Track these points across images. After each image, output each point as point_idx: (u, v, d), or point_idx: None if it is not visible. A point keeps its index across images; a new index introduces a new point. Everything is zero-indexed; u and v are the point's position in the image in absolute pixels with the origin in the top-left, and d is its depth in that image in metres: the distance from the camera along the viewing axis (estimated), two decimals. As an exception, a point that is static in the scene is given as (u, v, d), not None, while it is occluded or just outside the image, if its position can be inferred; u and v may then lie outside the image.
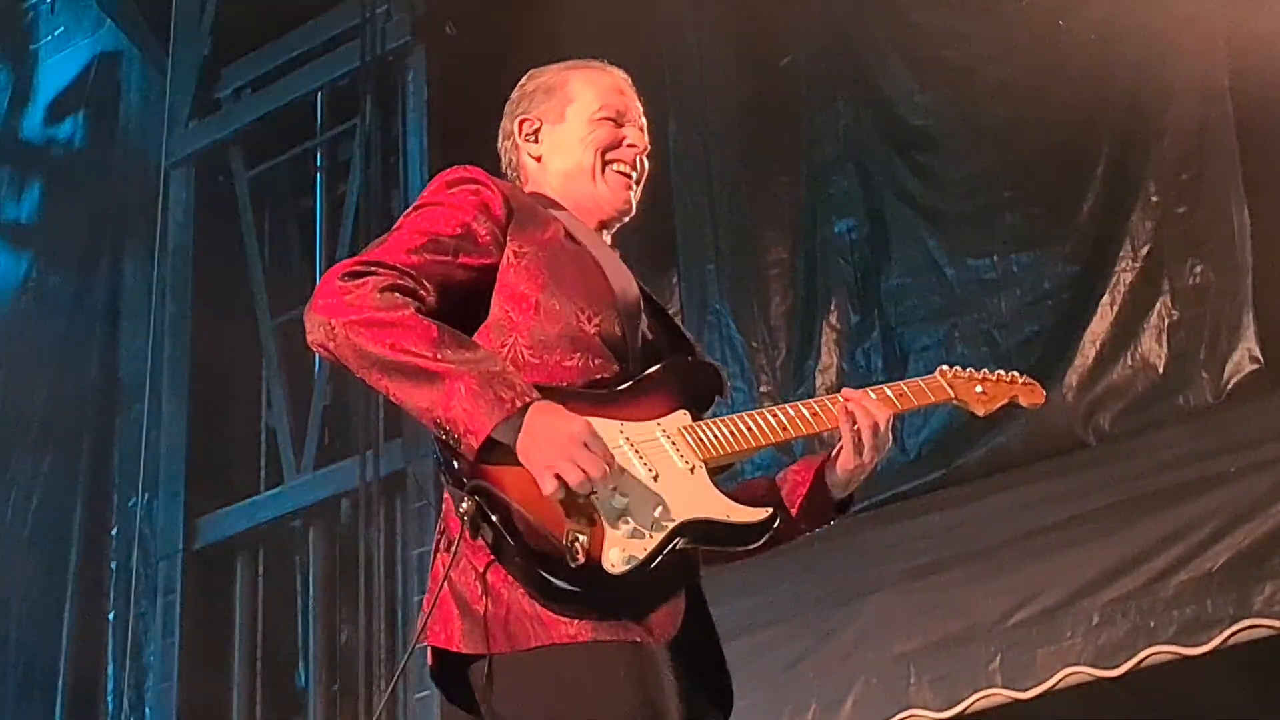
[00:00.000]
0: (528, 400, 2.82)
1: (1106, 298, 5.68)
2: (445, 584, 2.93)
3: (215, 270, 7.54)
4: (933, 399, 3.32)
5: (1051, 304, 5.82)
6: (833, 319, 6.21)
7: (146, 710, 6.97)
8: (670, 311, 3.35)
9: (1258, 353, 5.38)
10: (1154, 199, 5.69)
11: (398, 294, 2.90)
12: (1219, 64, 5.59)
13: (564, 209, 3.25)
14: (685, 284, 6.48)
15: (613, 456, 2.84)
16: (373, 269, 2.94)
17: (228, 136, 7.72)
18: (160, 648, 6.96)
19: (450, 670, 2.93)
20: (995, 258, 5.97)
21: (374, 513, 6.62)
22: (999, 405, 3.44)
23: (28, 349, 7.88)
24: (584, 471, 2.79)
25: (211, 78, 7.86)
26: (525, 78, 3.41)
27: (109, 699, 7.14)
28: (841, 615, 5.83)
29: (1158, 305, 5.61)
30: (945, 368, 3.39)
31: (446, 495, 2.97)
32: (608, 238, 3.27)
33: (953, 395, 3.35)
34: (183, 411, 7.29)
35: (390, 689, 3.02)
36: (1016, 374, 3.50)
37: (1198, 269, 5.56)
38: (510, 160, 3.35)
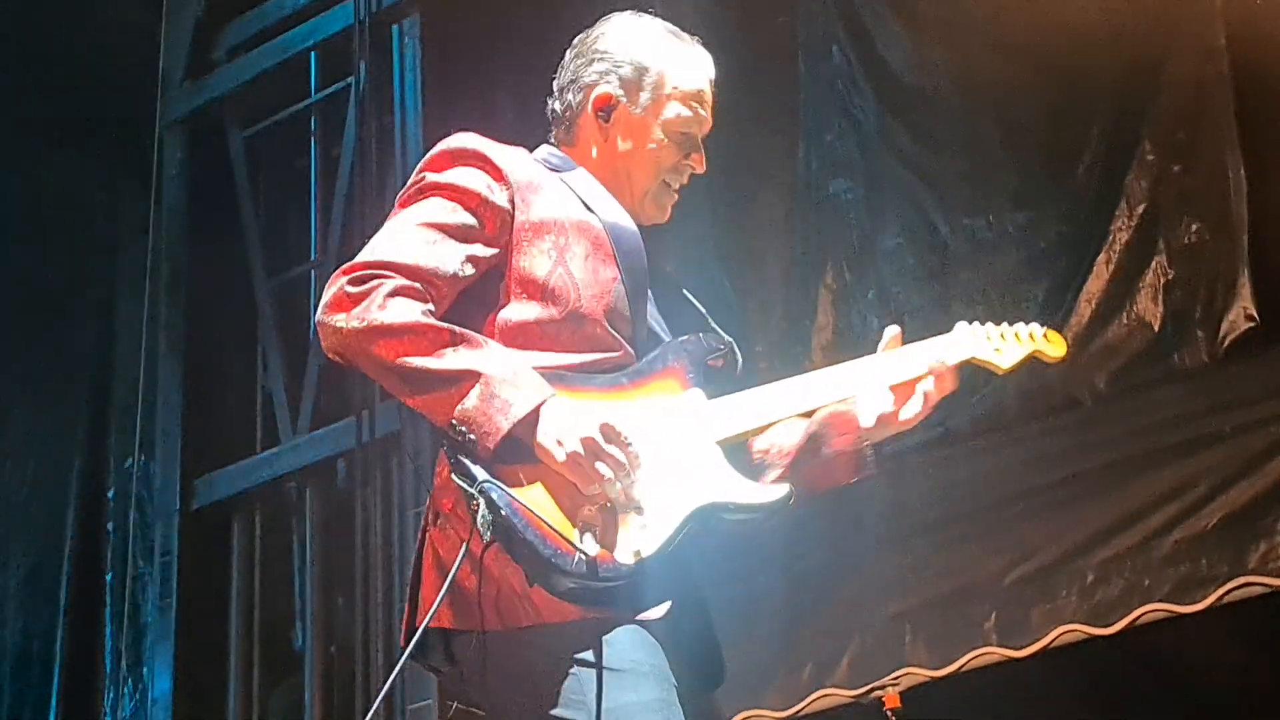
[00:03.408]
0: (541, 399, 2.82)
1: (1102, 257, 5.67)
2: (427, 558, 2.93)
3: (210, 231, 7.53)
4: (954, 360, 3.26)
5: (1047, 263, 5.81)
6: (829, 279, 6.20)
7: (144, 670, 6.98)
8: (667, 271, 3.33)
9: (1254, 311, 5.37)
10: (1150, 158, 5.67)
11: (406, 299, 2.88)
12: (1216, 22, 5.57)
13: (581, 167, 3.20)
14: (681, 245, 6.46)
15: (630, 447, 2.83)
16: (379, 273, 2.91)
17: (222, 97, 7.69)
18: (157, 609, 6.97)
19: (426, 637, 2.92)
20: (991, 217, 5.96)
21: (370, 474, 6.62)
22: (1021, 361, 3.41)
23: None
24: (605, 470, 2.78)
25: (205, 38, 7.83)
26: (614, 23, 3.30)
27: (107, 659, 7.15)
28: (837, 574, 5.85)
29: (1153, 264, 5.60)
30: (964, 323, 3.36)
31: (438, 469, 2.96)
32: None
33: (973, 355, 3.32)
34: (179, 373, 7.29)
35: (390, 679, 3.00)
36: (1037, 326, 3.47)
37: (1194, 228, 5.55)
38: (569, 106, 3.27)
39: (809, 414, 3.17)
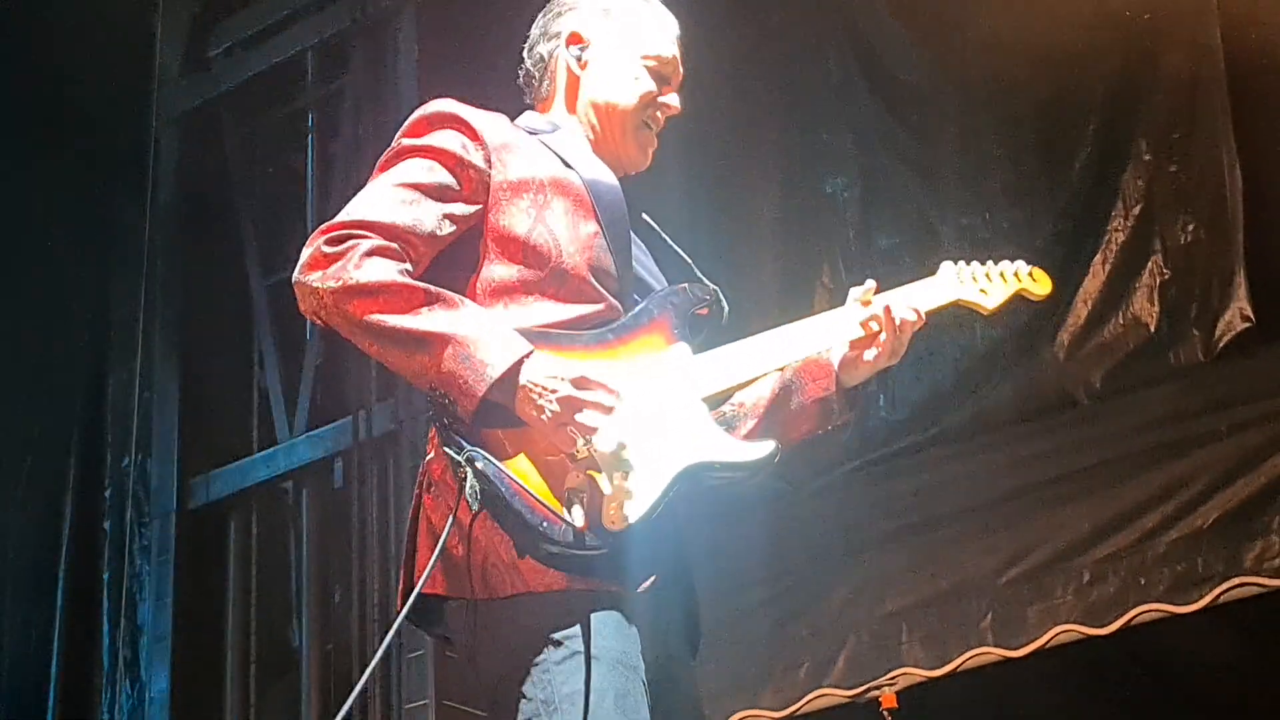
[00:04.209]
0: (517, 357, 2.80)
1: (1098, 256, 5.68)
2: (421, 523, 2.93)
3: (206, 229, 7.51)
4: (938, 303, 3.31)
5: (1042, 262, 5.79)
6: (824, 278, 6.20)
7: (141, 670, 6.98)
8: (645, 220, 3.32)
9: (1249, 311, 5.37)
10: (1146, 157, 5.68)
11: (383, 258, 2.88)
12: (1211, 21, 5.57)
13: (561, 127, 3.21)
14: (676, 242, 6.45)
15: (613, 405, 2.81)
16: (356, 232, 2.91)
17: (218, 94, 7.68)
18: (154, 608, 6.96)
19: (424, 602, 2.92)
20: (987, 216, 5.96)
21: (367, 473, 6.61)
22: (1006, 300, 3.43)
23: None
24: (588, 420, 2.77)
25: (202, 35, 7.82)
26: None
27: (104, 658, 7.14)
28: (833, 574, 5.85)
29: (1149, 263, 5.61)
30: (950, 263, 3.36)
31: (431, 435, 2.95)
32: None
33: (958, 296, 3.35)
34: (175, 372, 7.28)
35: (388, 639, 2.99)
36: (1023, 264, 3.48)
37: (1189, 227, 5.55)
38: (541, 60, 3.30)
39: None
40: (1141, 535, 5.36)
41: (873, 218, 6.22)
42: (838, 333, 3.17)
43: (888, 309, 3.15)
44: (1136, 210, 5.65)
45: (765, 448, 2.95)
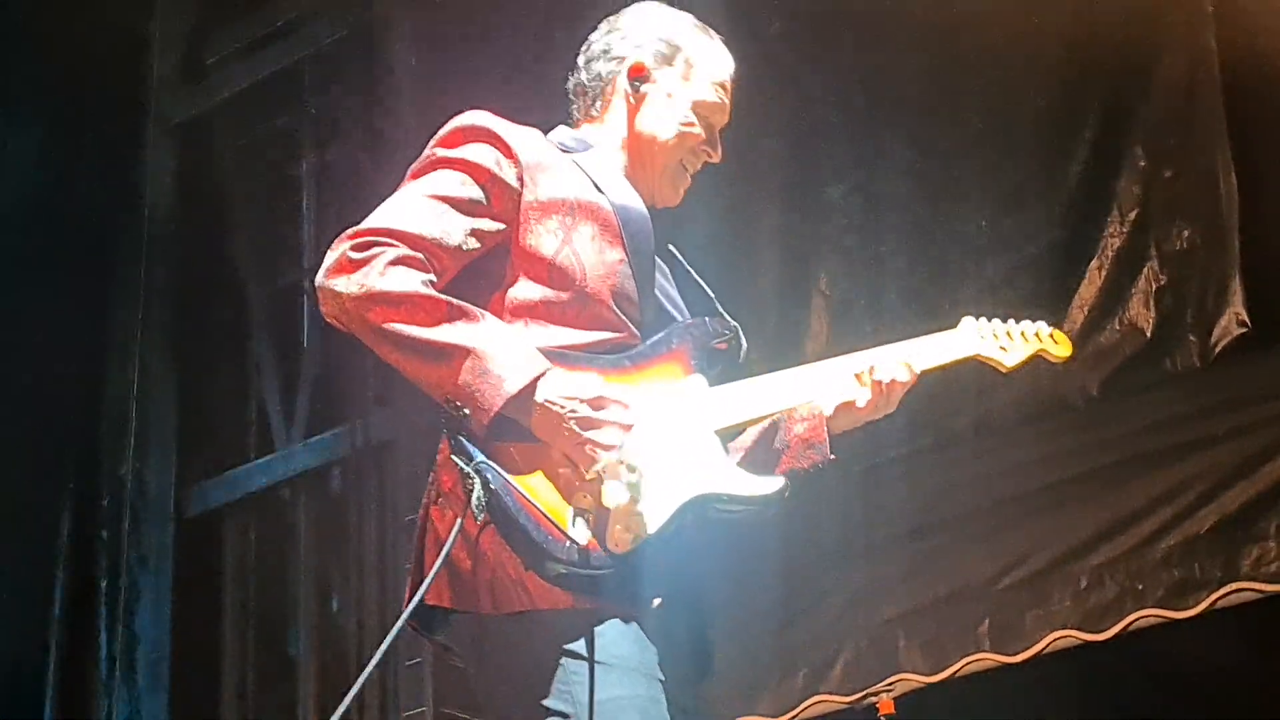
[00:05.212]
0: (536, 374, 2.80)
1: (1094, 262, 5.69)
2: (428, 535, 2.94)
3: (203, 239, 7.52)
4: (957, 357, 3.32)
5: (1040, 269, 5.82)
6: (822, 285, 6.20)
7: (138, 678, 6.97)
8: (671, 252, 3.33)
9: (1245, 316, 5.38)
10: (1141, 163, 5.69)
11: (407, 268, 2.87)
12: (1206, 26, 5.58)
13: (595, 147, 3.21)
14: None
15: (628, 427, 2.82)
16: (382, 240, 2.91)
17: (214, 104, 7.69)
18: (151, 616, 6.96)
19: (430, 611, 2.93)
20: (984, 223, 5.97)
21: (365, 481, 6.62)
22: (1025, 360, 3.42)
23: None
24: (602, 438, 2.78)
25: (198, 46, 7.83)
26: (646, 7, 3.36)
27: (101, 666, 7.13)
28: (830, 579, 5.86)
29: (1145, 269, 5.61)
30: (971, 318, 3.37)
31: (442, 447, 2.94)
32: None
33: (977, 352, 3.35)
34: (172, 380, 7.29)
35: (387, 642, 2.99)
36: (1044, 325, 3.48)
37: (1185, 233, 5.56)
38: (599, 78, 3.29)
39: None
40: (1139, 540, 5.37)
41: (870, 226, 6.22)
42: (845, 375, 3.17)
43: (872, 369, 3.16)
44: (1132, 216, 5.66)
45: (775, 483, 2.95)
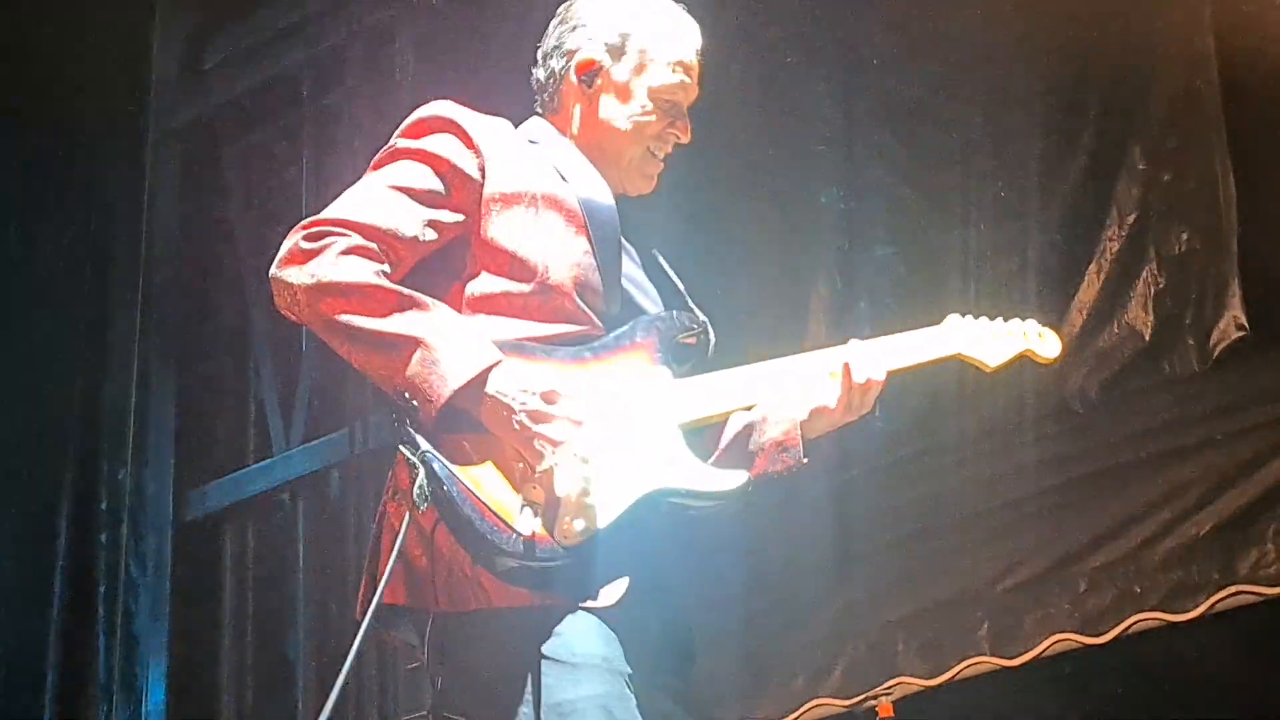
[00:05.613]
0: (485, 365, 2.77)
1: (1093, 265, 5.68)
2: (385, 532, 2.91)
3: (203, 242, 7.52)
4: (939, 355, 3.25)
5: (1038, 272, 5.82)
6: (820, 289, 6.20)
7: (138, 683, 6.97)
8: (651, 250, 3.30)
9: (1243, 320, 5.37)
10: (1140, 166, 5.67)
11: (359, 258, 2.85)
12: (1205, 30, 5.57)
13: (563, 139, 3.18)
14: (670, 255, 6.45)
15: (580, 421, 2.79)
16: (335, 230, 2.88)
17: (214, 107, 7.69)
18: (150, 620, 6.96)
19: (391, 610, 2.91)
20: (982, 226, 5.96)
21: (364, 485, 6.62)
22: (1010, 360, 3.36)
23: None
24: (552, 433, 2.75)
25: (199, 49, 7.83)
26: None
27: (100, 671, 7.13)
28: (829, 583, 5.85)
29: (1144, 273, 5.60)
30: (957, 316, 3.32)
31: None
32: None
33: (959, 350, 3.28)
34: (171, 384, 7.28)
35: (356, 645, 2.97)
36: (1033, 323, 3.41)
37: (1184, 236, 5.55)
38: (552, 74, 3.25)
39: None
40: (1138, 544, 5.36)
41: (867, 228, 6.22)
42: (820, 375, 3.11)
43: (846, 366, 3.10)
44: (1131, 219, 5.65)
45: (737, 478, 2.92)
